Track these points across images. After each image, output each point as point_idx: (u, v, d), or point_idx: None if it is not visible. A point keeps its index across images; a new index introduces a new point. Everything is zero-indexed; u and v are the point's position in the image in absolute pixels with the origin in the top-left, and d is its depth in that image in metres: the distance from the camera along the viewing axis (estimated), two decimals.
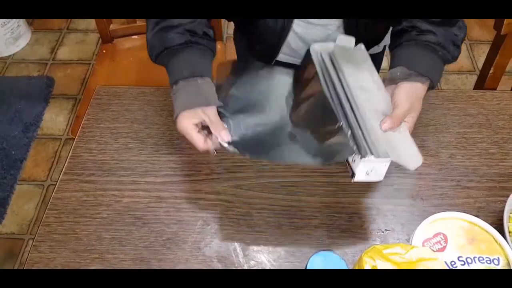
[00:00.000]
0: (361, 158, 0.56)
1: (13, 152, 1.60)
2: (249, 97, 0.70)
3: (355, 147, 0.57)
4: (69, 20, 2.05)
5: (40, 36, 2.00)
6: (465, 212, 0.60)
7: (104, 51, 1.28)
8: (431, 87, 0.66)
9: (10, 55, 1.92)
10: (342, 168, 0.72)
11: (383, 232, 0.65)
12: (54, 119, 1.71)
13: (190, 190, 0.70)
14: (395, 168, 0.71)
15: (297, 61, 0.85)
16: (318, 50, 0.71)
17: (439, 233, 0.58)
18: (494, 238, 0.58)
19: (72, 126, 1.17)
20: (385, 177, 0.70)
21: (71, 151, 0.76)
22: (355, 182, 0.58)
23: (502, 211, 0.61)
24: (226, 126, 0.64)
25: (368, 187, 0.70)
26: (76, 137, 0.78)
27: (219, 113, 0.64)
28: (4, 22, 1.82)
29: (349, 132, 0.59)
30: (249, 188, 0.70)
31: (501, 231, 0.58)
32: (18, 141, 1.63)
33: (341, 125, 0.60)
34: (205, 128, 0.63)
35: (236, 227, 0.66)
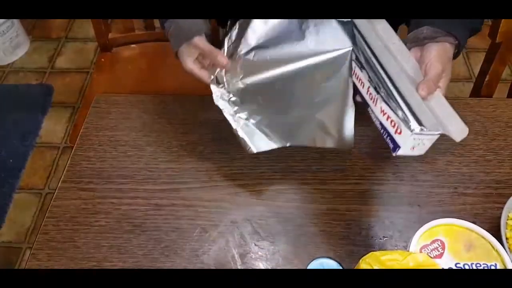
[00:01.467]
0: (411, 130, 0.52)
1: (11, 161, 1.60)
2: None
3: (401, 116, 0.54)
4: (68, 29, 2.06)
5: (39, 45, 2.00)
6: (462, 219, 0.60)
7: (102, 59, 1.28)
8: (456, 53, 0.63)
9: (9, 64, 1.93)
10: (340, 175, 0.72)
11: (381, 239, 0.65)
12: (53, 127, 1.71)
13: (188, 197, 0.71)
14: (392, 175, 0.72)
15: None
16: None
17: (436, 240, 0.59)
18: (491, 245, 0.58)
19: (71, 135, 1.17)
20: (383, 184, 0.70)
21: (69, 159, 0.76)
22: (354, 191, 0.57)
23: (499, 218, 0.62)
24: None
25: (365, 194, 0.70)
26: (75, 145, 0.78)
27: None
28: (3, 31, 1.83)
29: (391, 100, 0.56)
30: (246, 195, 0.70)
31: (498, 238, 0.59)
32: (16, 150, 1.63)
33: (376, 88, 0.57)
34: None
35: (234, 235, 0.66)
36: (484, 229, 0.59)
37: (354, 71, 0.63)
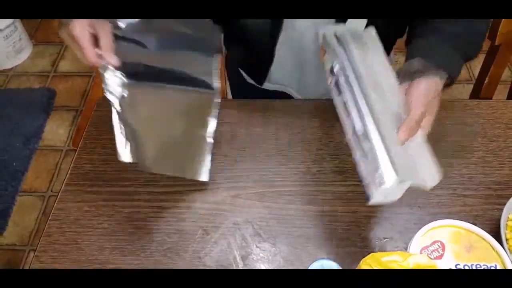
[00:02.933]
0: (380, 184, 0.52)
1: (14, 164, 1.61)
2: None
3: (373, 168, 0.53)
4: None
5: (42, 49, 2.02)
6: (462, 220, 0.60)
7: None
8: (448, 84, 0.62)
9: (12, 68, 1.94)
10: (340, 177, 0.73)
11: (381, 240, 0.66)
12: (55, 130, 1.73)
13: (190, 199, 0.71)
14: None
15: (288, 89, 0.86)
16: (325, 32, 0.66)
17: (436, 241, 0.59)
18: (491, 246, 0.59)
19: (73, 138, 1.18)
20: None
21: (73, 162, 0.77)
22: (354, 193, 0.57)
23: (499, 219, 0.62)
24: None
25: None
26: (78, 148, 0.79)
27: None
28: (6, 35, 1.84)
29: (368, 146, 0.55)
30: (247, 197, 0.71)
31: (498, 239, 0.59)
32: (19, 153, 1.64)
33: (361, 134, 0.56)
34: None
35: (236, 236, 0.67)
36: (484, 230, 0.59)
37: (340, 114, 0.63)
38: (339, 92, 0.62)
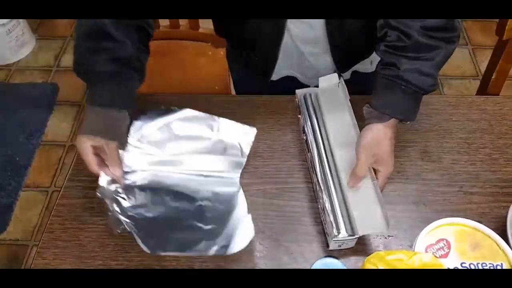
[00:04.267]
0: (332, 238, 0.60)
1: (17, 159, 1.61)
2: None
3: (331, 219, 0.61)
4: (74, 27, 2.07)
5: (45, 43, 2.01)
6: (468, 218, 0.60)
7: None
8: (403, 121, 0.65)
9: (15, 62, 1.94)
10: None
11: (386, 238, 0.65)
12: (58, 125, 1.72)
13: None
14: (398, 174, 0.72)
15: (294, 73, 0.85)
16: (302, 93, 0.76)
17: (442, 239, 0.58)
18: (497, 244, 0.58)
19: (76, 133, 1.17)
20: (388, 183, 0.70)
21: (75, 157, 0.76)
22: None
23: (505, 217, 0.61)
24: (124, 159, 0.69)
25: None
26: None
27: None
28: (9, 30, 1.83)
29: (327, 204, 0.62)
30: (252, 194, 0.70)
31: (504, 237, 0.58)
32: (22, 148, 1.64)
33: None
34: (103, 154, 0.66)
35: None
36: (490, 229, 0.59)
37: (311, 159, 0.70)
38: (308, 149, 0.71)
